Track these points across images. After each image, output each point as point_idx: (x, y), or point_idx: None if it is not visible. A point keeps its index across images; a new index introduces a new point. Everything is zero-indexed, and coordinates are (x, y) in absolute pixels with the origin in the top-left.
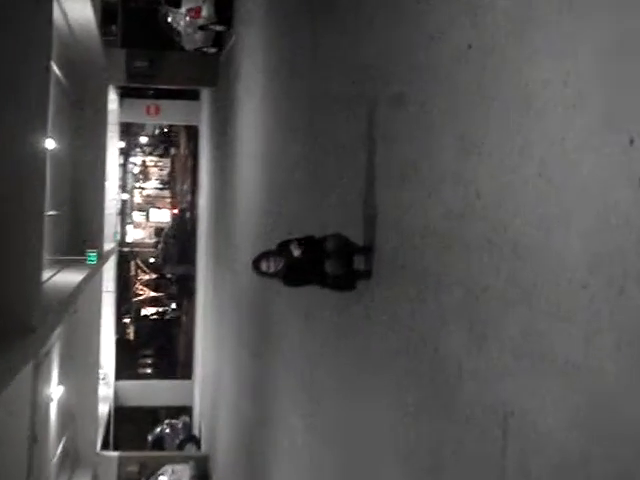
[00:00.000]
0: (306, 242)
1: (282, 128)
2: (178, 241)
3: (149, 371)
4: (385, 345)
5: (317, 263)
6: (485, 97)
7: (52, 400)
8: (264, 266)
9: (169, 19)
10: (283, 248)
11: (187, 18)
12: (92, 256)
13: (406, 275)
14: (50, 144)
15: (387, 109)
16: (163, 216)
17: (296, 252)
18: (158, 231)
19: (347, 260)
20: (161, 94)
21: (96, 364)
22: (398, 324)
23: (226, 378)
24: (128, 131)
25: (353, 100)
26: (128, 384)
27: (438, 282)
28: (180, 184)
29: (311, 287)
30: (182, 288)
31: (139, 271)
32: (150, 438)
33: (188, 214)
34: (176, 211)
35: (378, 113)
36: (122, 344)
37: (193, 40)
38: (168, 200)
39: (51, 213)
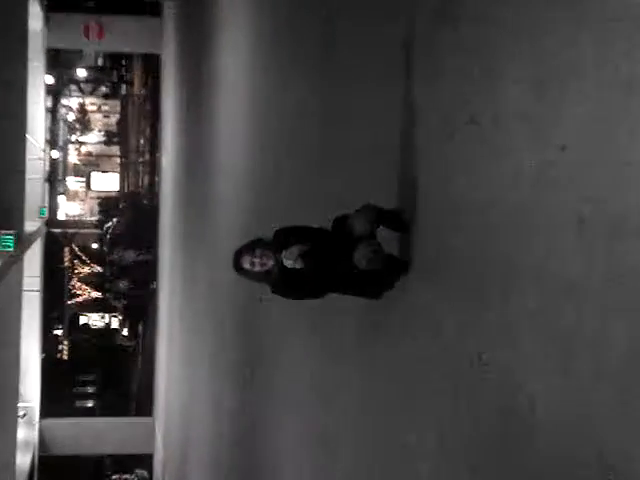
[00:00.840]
0: (316, 243)
1: (282, 58)
2: (132, 219)
3: (90, 405)
4: (426, 371)
5: (335, 257)
6: (575, 5)
7: None
8: (248, 263)
9: None
10: (279, 242)
11: None
12: (7, 240)
13: (457, 267)
14: None
15: (429, 28)
16: (110, 183)
17: (292, 262)
18: (104, 204)
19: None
20: (105, 8)
21: (13, 395)
22: (445, 339)
23: (201, 416)
24: (59, 61)
25: (383, 19)
26: (60, 424)
27: (504, 278)
28: (134, 138)
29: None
30: (138, 286)
31: (76, 262)
32: None
33: (146, 180)
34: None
35: (417, 34)
36: (52, 366)
37: None
38: (117, 161)
39: None
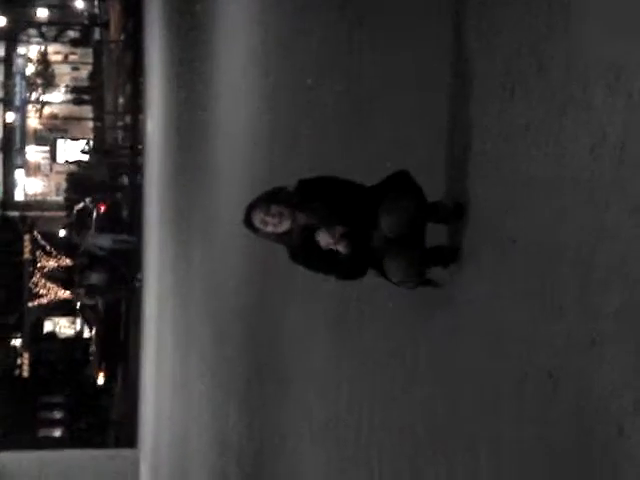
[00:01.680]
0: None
1: None
2: (109, 199)
3: (58, 434)
4: (479, 388)
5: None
6: None
7: None
8: (259, 220)
9: None
10: (303, 196)
11: None
12: None
13: (522, 257)
14: None
15: None
16: (80, 152)
17: (340, 247)
18: (73, 180)
19: (419, 238)
20: None
21: None
22: (502, 350)
23: (200, 447)
24: None
25: None
26: (20, 458)
27: (584, 271)
28: (111, 96)
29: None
30: (117, 281)
31: (40, 253)
32: None
33: (127, 149)
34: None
35: None
36: (9, 386)
37: None
38: (90, 125)
39: None
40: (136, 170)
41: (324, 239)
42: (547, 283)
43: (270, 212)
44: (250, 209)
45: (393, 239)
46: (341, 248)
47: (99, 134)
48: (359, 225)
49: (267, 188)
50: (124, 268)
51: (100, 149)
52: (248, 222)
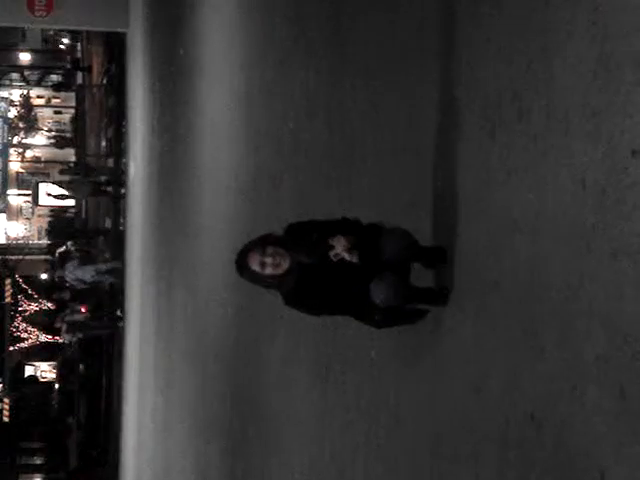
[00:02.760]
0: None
1: (282, 29)
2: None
3: None
4: (465, 430)
5: (357, 272)
6: None
7: None
8: (257, 264)
9: None
10: (294, 238)
11: None
12: None
13: (505, 300)
14: None
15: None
16: (66, 198)
17: (345, 253)
18: (56, 224)
19: (405, 273)
20: None
21: None
22: (490, 388)
23: None
24: None
25: None
26: None
27: (565, 315)
28: (94, 140)
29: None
30: (97, 317)
31: (21, 297)
32: None
33: (109, 189)
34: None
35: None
36: None
37: None
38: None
39: None
40: (118, 214)
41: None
42: (529, 326)
43: (267, 253)
44: (245, 253)
45: (385, 265)
46: (350, 257)
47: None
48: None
49: (253, 236)
50: (106, 303)
51: (81, 169)
52: (243, 267)
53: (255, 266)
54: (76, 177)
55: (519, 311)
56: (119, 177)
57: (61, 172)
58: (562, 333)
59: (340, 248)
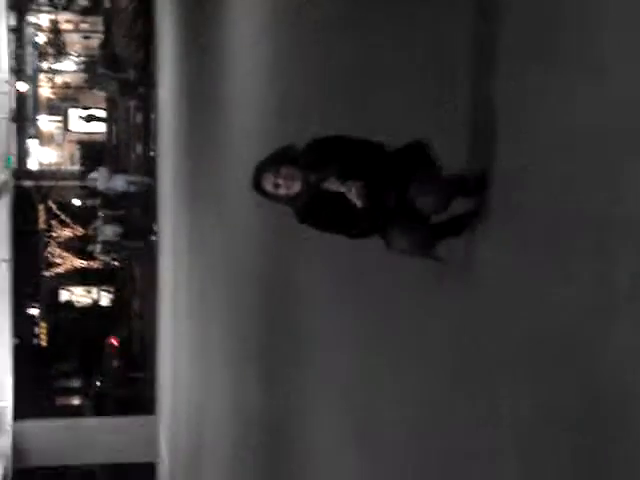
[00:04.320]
0: (366, 171)
1: None
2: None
3: (77, 403)
4: (498, 349)
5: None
6: None
7: None
8: (270, 184)
9: None
10: (313, 158)
11: None
12: None
13: (530, 227)
14: None
15: None
16: (94, 120)
17: (357, 200)
18: (87, 150)
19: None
20: None
21: None
22: (520, 310)
23: (217, 414)
24: None
25: None
26: (39, 427)
27: (593, 238)
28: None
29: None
30: (133, 235)
31: (54, 223)
32: None
33: (139, 119)
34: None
35: None
36: (27, 355)
37: None
38: (101, 94)
39: None
40: (148, 138)
41: (334, 185)
42: (556, 250)
43: (280, 174)
44: (259, 172)
45: (409, 210)
46: (358, 201)
47: (111, 104)
48: (375, 182)
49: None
50: (140, 217)
51: (109, 60)
52: (258, 186)
53: (269, 186)
54: (103, 71)
55: (548, 234)
56: (149, 75)
57: (87, 68)
58: (594, 255)
59: (354, 194)
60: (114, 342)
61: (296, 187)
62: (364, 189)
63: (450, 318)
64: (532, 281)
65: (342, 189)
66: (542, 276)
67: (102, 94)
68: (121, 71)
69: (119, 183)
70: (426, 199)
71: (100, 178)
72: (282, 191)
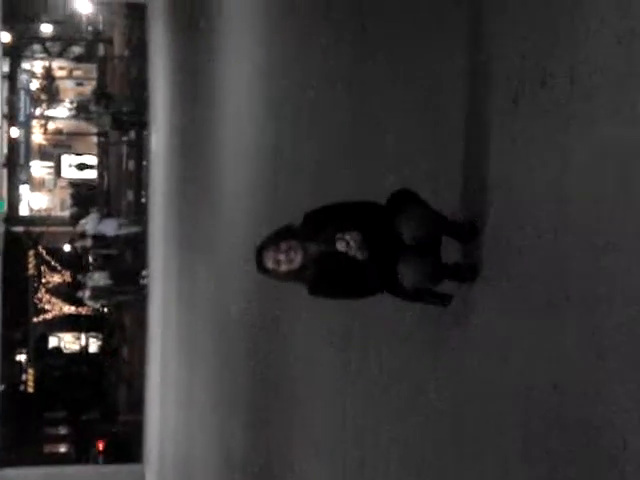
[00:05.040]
0: (364, 226)
1: (306, 7)
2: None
3: (63, 450)
4: (490, 399)
5: (381, 249)
6: None
7: None
8: (271, 261)
9: None
10: (311, 228)
11: None
12: None
13: (528, 276)
14: None
15: None
16: (85, 168)
17: (357, 252)
18: (78, 195)
19: (435, 249)
20: None
21: None
22: (513, 365)
23: (205, 465)
24: (18, 14)
25: None
26: (24, 474)
27: (588, 284)
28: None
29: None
30: (123, 280)
31: (44, 269)
32: None
33: (131, 165)
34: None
35: None
36: (14, 401)
37: None
38: (94, 140)
39: None
40: (140, 185)
41: (333, 246)
42: (554, 298)
43: (280, 249)
44: (260, 252)
45: (410, 246)
46: (358, 253)
47: (103, 150)
48: (371, 232)
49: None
50: (130, 263)
51: (102, 96)
52: (261, 266)
53: (271, 264)
54: (96, 107)
55: (543, 281)
56: (142, 107)
57: (78, 106)
58: (585, 301)
59: (352, 247)
60: (100, 446)
61: (298, 260)
62: (360, 237)
63: (442, 364)
64: (525, 331)
65: (341, 246)
66: (536, 325)
67: (94, 141)
68: (114, 107)
69: (109, 227)
70: (408, 224)
71: (90, 222)
72: (284, 267)
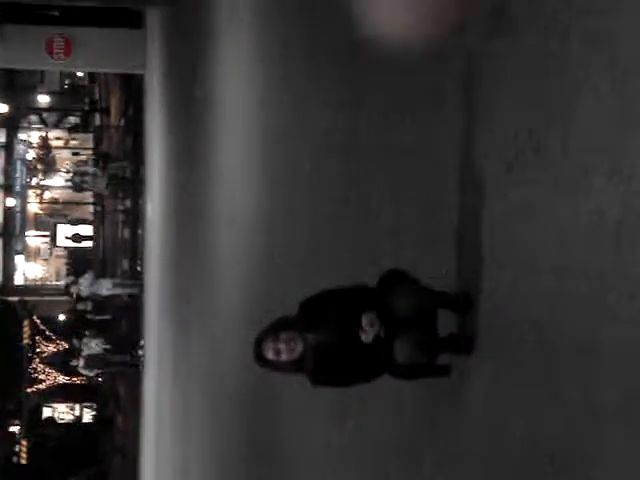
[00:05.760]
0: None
1: (298, 75)
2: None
3: None
4: (486, 470)
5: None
6: None
7: None
8: (271, 352)
9: None
10: (307, 317)
11: None
12: None
13: (523, 350)
14: None
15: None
16: (81, 239)
17: (368, 334)
18: (73, 264)
19: (430, 323)
20: (73, 18)
21: None
22: (512, 442)
23: None
24: (15, 85)
25: None
26: None
27: (585, 359)
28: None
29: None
30: (119, 348)
31: (39, 338)
32: None
33: (127, 233)
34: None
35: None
36: (6, 472)
37: None
38: (90, 209)
39: None
40: (135, 252)
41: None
42: (548, 373)
43: (280, 339)
44: (259, 343)
45: (404, 321)
46: (381, 332)
47: (98, 219)
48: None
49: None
50: (125, 331)
51: (100, 156)
52: (260, 357)
53: (271, 355)
54: (92, 169)
55: (539, 353)
56: (137, 175)
57: (77, 164)
58: (580, 375)
59: (371, 331)
60: None
61: (298, 349)
62: (376, 316)
63: (438, 436)
64: (521, 400)
65: (366, 337)
66: (531, 396)
67: (90, 210)
68: (111, 168)
69: (104, 287)
70: (399, 299)
71: (85, 283)
72: (284, 356)
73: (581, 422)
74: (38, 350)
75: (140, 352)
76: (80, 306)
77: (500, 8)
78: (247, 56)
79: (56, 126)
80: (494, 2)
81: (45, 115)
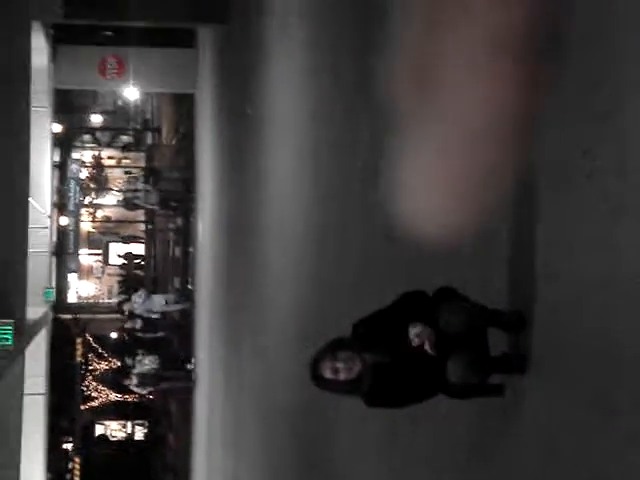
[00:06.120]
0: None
1: (350, 95)
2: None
3: None
4: None
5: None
6: None
7: None
8: (329, 371)
9: None
10: (362, 337)
11: None
12: (3, 332)
13: (578, 367)
14: None
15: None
16: (133, 258)
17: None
18: (126, 282)
19: (481, 342)
20: (127, 38)
21: None
22: (562, 460)
23: None
24: (69, 105)
25: None
26: None
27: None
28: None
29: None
30: (170, 365)
31: (91, 356)
32: None
33: (178, 252)
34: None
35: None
36: None
37: None
38: (141, 227)
39: None
40: (187, 270)
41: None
42: (603, 390)
43: (339, 358)
44: (317, 361)
45: (455, 339)
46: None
47: (150, 237)
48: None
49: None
50: (177, 346)
51: (151, 172)
52: (317, 376)
53: (328, 374)
54: (143, 185)
55: (593, 373)
56: (189, 191)
57: (128, 180)
58: (636, 395)
59: (427, 343)
60: None
61: (356, 369)
62: (429, 330)
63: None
64: (576, 423)
65: (414, 338)
66: (584, 419)
67: (141, 228)
68: (162, 185)
69: (157, 304)
70: (448, 316)
71: (138, 300)
72: (342, 375)
73: (636, 444)
74: (90, 368)
75: (192, 368)
76: (128, 324)
77: None
78: (297, 69)
79: (109, 145)
80: None
81: (98, 134)
